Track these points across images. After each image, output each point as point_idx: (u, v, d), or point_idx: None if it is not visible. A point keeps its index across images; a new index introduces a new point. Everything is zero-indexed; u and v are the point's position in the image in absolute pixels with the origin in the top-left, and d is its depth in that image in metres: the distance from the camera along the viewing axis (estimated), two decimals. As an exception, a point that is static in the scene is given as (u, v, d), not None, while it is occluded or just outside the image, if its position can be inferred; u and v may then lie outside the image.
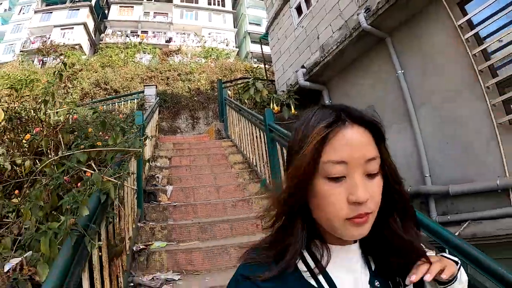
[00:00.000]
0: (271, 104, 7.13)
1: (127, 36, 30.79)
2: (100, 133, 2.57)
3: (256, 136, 5.21)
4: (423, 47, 4.98)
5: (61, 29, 30.98)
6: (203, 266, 3.02)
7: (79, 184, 1.88)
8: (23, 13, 33.94)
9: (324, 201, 0.66)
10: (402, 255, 0.73)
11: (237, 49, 30.88)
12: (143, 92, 8.28)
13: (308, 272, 0.70)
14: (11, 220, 2.19)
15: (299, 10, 7.61)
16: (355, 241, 0.76)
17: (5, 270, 1.74)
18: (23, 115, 2.38)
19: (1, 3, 35.94)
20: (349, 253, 0.74)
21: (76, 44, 28.69)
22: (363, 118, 0.68)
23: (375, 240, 0.74)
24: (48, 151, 2.18)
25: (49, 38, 29.65)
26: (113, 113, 3.80)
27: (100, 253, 1.89)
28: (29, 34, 31.71)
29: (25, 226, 1.79)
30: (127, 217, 2.69)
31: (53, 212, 1.91)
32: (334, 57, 5.93)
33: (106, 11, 37.19)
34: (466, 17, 4.47)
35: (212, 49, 25.97)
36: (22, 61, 21.97)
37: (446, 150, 4.70)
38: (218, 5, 35.07)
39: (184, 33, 31.93)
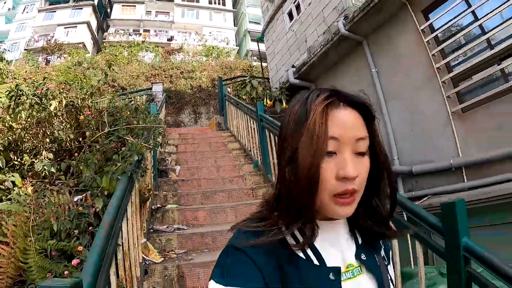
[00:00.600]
0: (265, 99, 8.06)
1: (129, 34, 31.39)
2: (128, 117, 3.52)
3: (251, 126, 6.14)
4: (393, 49, 5.88)
5: (65, 27, 31.59)
6: (205, 221, 3.96)
7: (123, 148, 2.80)
8: (27, 12, 34.36)
9: None
10: (377, 228, 0.79)
11: (238, 48, 31.62)
12: (151, 88, 9.20)
13: (296, 246, 0.72)
14: (64, 180, 3.14)
15: (290, 15, 8.54)
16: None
17: (75, 199, 2.69)
18: (75, 103, 3.31)
19: (5, 2, 36.39)
20: (336, 228, 0.78)
21: (80, 43, 29.40)
22: (354, 100, 0.71)
23: (357, 215, 0.78)
24: (96, 128, 3.12)
25: (53, 36, 29.99)
26: (132, 104, 4.59)
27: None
28: (33, 33, 31.99)
29: (86, 174, 2.72)
30: (148, 177, 3.64)
31: (103, 166, 2.85)
32: (319, 58, 6.85)
33: (109, 10, 37.92)
34: (428, 22, 5.36)
35: (213, 47, 26.81)
36: (28, 59, 22.62)
37: (411, 136, 5.61)
38: (219, 4, 35.70)
39: (185, 32, 32.57)
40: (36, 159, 3.10)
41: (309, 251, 0.74)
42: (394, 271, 0.94)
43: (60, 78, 3.46)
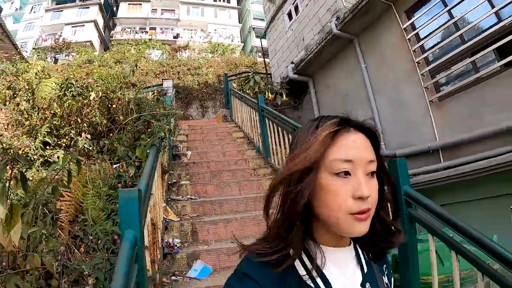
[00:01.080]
0: (267, 93, 8.85)
1: (136, 32, 32.08)
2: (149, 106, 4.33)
3: (253, 117, 6.92)
4: (380, 46, 6.61)
5: (72, 26, 32.40)
6: (213, 194, 4.75)
7: (148, 130, 3.61)
8: (34, 12, 35.00)
9: (331, 196, 0.74)
10: (387, 238, 0.86)
11: (243, 44, 32.28)
12: (162, 84, 10.01)
13: (306, 274, 0.76)
14: (99, 157, 3.95)
15: (289, 15, 9.30)
16: (349, 244, 0.86)
17: (114, 167, 3.51)
18: (108, 94, 4.12)
19: (12, 2, 37.06)
20: (343, 255, 0.83)
21: (87, 41, 30.34)
22: (364, 126, 0.79)
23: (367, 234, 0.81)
24: (126, 114, 3.93)
25: (60, 35, 30.62)
26: (153, 95, 5.39)
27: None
28: (40, 32, 32.59)
29: (120, 149, 3.53)
30: (165, 158, 4.45)
31: (132, 144, 3.65)
32: (314, 55, 7.60)
33: (115, 9, 38.72)
34: (410, 22, 6.06)
35: (218, 44, 27.46)
36: (39, 58, 23.39)
37: (395, 124, 6.35)
38: (223, 1, 36.33)
39: (191, 29, 33.33)
40: (76, 140, 3.93)
41: (318, 280, 0.76)
42: None
43: (95, 75, 4.21)
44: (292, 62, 8.63)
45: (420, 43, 5.91)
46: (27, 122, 3.89)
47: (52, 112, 4.03)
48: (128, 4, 37.53)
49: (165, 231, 3.64)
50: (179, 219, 3.91)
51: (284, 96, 8.70)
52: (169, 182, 4.70)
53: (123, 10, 37.27)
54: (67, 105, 3.89)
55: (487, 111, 4.90)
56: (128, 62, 19.23)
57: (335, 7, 7.17)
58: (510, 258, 1.62)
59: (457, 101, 5.40)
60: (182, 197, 4.50)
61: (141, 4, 37.05)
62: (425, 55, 5.81)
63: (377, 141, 0.82)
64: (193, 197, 4.54)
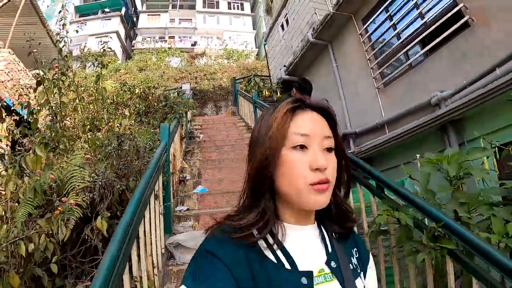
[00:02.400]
0: (264, 91, 11.28)
1: (156, 41, 34.84)
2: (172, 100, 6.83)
3: (250, 109, 9.34)
4: (345, 49, 8.84)
5: (96, 37, 34.94)
6: (216, 157, 7.16)
7: (172, 112, 6.07)
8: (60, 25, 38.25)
9: (291, 168, 0.81)
10: (341, 220, 0.94)
11: (257, 50, 34.53)
12: (181, 87, 12.56)
13: (267, 248, 0.81)
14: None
15: (282, 27, 11.70)
16: (313, 223, 0.92)
17: (151, 131, 5.98)
18: (145, 90, 6.64)
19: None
20: (307, 232, 0.89)
21: (111, 51, 32.18)
22: (319, 105, 0.90)
23: (327, 212, 0.92)
24: (157, 102, 6.42)
25: (85, 45, 33.59)
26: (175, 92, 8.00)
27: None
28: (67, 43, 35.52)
29: (155, 122, 5.98)
30: (183, 131, 6.93)
31: (163, 120, 6.11)
32: (299, 59, 9.94)
33: (135, 19, 41.85)
34: (364, 27, 8.23)
35: (233, 51, 30.09)
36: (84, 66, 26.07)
37: (355, 108, 8.55)
38: (238, 9, 38.95)
39: (207, 37, 36.02)
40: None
41: (280, 254, 0.81)
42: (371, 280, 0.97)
43: (137, 79, 6.77)
44: (284, 66, 11.00)
45: (370, 43, 8.01)
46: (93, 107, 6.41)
47: (110, 101, 6.53)
48: (148, 15, 40.69)
49: (181, 172, 6.04)
50: (190, 167, 6.33)
51: (278, 93, 11.10)
52: (186, 150, 7.14)
53: (143, 21, 40.50)
54: (121, 96, 6.38)
55: (416, 90, 6.65)
56: (150, 69, 22.11)
57: (312, 20, 9.49)
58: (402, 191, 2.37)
59: (396, 85, 7.32)
60: (193, 157, 6.94)
61: (159, 15, 40.16)
62: (373, 52, 7.88)
63: (333, 120, 0.91)
64: (200, 158, 6.97)
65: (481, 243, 1.77)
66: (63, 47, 4.37)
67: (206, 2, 39.31)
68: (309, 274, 0.80)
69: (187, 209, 4.72)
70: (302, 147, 0.82)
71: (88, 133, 3.62)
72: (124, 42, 37.49)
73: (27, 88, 7.03)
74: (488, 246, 1.73)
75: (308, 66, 10.26)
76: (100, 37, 34.83)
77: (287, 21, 11.31)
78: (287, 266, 0.80)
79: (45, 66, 3.92)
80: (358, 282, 0.87)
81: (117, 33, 36.01)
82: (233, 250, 0.78)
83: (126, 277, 1.80)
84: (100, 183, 2.61)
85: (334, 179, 0.85)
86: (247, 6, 39.08)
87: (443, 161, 2.51)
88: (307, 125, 0.84)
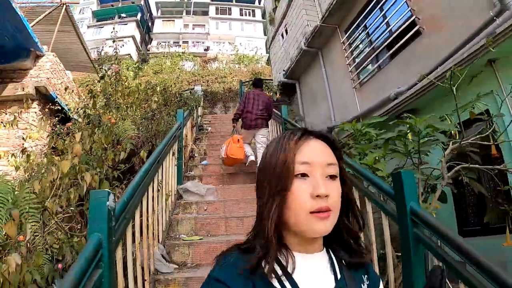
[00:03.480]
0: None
1: (170, 46, 36.84)
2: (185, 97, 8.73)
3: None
4: (332, 55, 10.60)
5: (112, 41, 37.41)
6: (219, 143, 8.99)
7: (185, 104, 7.94)
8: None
9: (292, 197, 0.84)
10: (352, 249, 0.96)
11: (268, 55, 36.21)
12: (193, 88, 14.46)
13: (275, 279, 0.83)
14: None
15: (282, 36, 13.54)
16: (322, 249, 0.94)
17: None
18: (164, 89, 8.52)
19: (58, 21, 42.96)
20: (314, 260, 0.91)
21: (127, 54, 34.82)
22: (322, 134, 0.94)
23: (335, 238, 0.95)
24: (174, 98, 8.31)
25: (102, 49, 35.62)
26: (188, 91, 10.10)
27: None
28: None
29: (172, 112, 7.84)
30: (193, 121, 8.82)
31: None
32: (295, 65, 11.75)
33: (150, 24, 44.14)
34: (345, 36, 9.99)
35: (244, 56, 31.90)
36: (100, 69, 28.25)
37: (339, 105, 10.26)
38: (249, 15, 41.10)
39: (219, 42, 38.15)
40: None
41: (286, 284, 0.83)
42: None
43: (158, 79, 8.66)
44: (283, 70, 12.82)
45: (350, 50, 9.71)
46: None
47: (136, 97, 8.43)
48: (162, 20, 43.11)
49: (191, 152, 7.88)
50: (198, 149, 8.18)
51: (277, 94, 12.92)
52: (196, 137, 9.00)
53: (158, 26, 43.04)
54: (144, 93, 8.24)
55: (382, 88, 8.07)
56: (165, 72, 24.10)
57: (305, 31, 11.28)
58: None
59: (368, 85, 8.91)
60: (202, 143, 8.80)
61: (174, 20, 42.66)
62: (352, 57, 9.61)
63: (337, 148, 0.93)
64: (207, 143, 8.84)
65: (361, 169, 3.02)
66: (115, 54, 6.18)
67: (219, 8, 41.52)
68: None
69: (194, 174, 6.58)
70: (304, 175, 0.86)
71: (132, 108, 5.52)
72: (140, 46, 39.73)
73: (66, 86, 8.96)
74: (362, 169, 3.06)
75: (302, 70, 12.07)
76: (117, 41, 37.28)
77: (286, 30, 13.14)
78: None
79: (78, 69, 5.83)
80: None
81: (133, 37, 38.33)
82: (241, 278, 0.81)
83: (150, 188, 3.57)
84: (140, 135, 4.50)
85: (338, 207, 0.87)
86: (258, 12, 41.09)
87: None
88: (309, 153, 0.87)
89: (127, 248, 2.37)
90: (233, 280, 0.80)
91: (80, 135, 3.72)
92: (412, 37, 7.05)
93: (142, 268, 2.83)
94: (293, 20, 12.35)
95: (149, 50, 38.47)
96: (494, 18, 5.03)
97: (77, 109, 5.12)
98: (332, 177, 0.88)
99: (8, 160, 4.57)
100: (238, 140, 6.60)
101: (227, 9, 41.86)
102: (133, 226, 2.60)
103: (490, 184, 5.26)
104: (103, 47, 36.30)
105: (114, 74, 5.38)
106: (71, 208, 2.94)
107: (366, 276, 0.96)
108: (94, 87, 5.04)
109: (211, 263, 0.92)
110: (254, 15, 41.45)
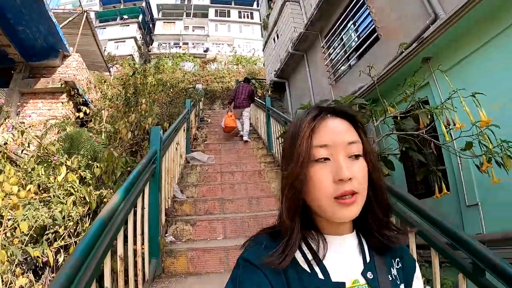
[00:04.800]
0: (258, 91, 15.07)
1: (171, 47, 38.71)
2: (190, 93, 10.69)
3: (246, 101, 13.15)
4: (315, 57, 12.56)
5: (115, 42, 38.97)
6: (218, 131, 10.94)
7: (190, 98, 9.88)
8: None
9: (313, 183, 0.82)
10: (381, 234, 0.92)
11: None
12: (195, 86, 16.43)
13: (304, 262, 0.84)
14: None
15: (274, 40, 15.52)
16: (352, 231, 0.93)
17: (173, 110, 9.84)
18: (172, 85, 10.45)
19: (62, 22, 44.68)
20: (344, 243, 0.90)
21: (129, 55, 35.97)
22: (340, 110, 0.88)
23: (365, 224, 0.92)
24: (179, 93, 10.25)
25: (105, 50, 37.14)
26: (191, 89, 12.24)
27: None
28: None
29: (177, 105, 9.78)
30: (196, 112, 10.79)
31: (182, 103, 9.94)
32: (284, 66, 13.73)
33: (151, 26, 45.82)
34: (324, 41, 11.93)
35: (242, 57, 33.89)
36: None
37: (319, 100, 12.18)
38: (247, 18, 43.04)
39: (219, 44, 39.92)
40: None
41: (316, 268, 0.84)
42: None
43: (167, 77, 10.61)
44: (275, 70, 14.79)
45: (328, 53, 11.63)
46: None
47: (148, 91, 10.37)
48: (163, 22, 44.79)
49: (195, 136, 9.80)
50: (200, 134, 10.12)
51: (269, 92, 14.89)
52: (198, 126, 10.95)
53: (159, 28, 44.64)
54: (155, 88, 10.16)
55: (352, 83, 9.61)
56: (167, 72, 25.96)
57: (292, 36, 13.23)
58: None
59: (341, 81, 10.76)
60: (203, 130, 10.74)
61: (174, 22, 44.28)
62: (329, 58, 11.51)
63: (359, 124, 0.89)
64: (207, 130, 10.79)
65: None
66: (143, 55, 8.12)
67: (218, 11, 43.46)
68: (341, 285, 0.82)
69: (198, 150, 8.54)
70: (325, 159, 0.82)
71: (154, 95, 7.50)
72: (141, 47, 41.01)
73: (90, 83, 10.93)
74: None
75: (291, 71, 14.05)
76: (119, 41, 39.14)
77: (277, 35, 15.12)
78: (320, 276, 0.82)
79: (92, 68, 7.73)
80: None
81: (134, 38, 39.77)
82: (271, 261, 0.80)
83: (172, 144, 5.53)
84: (163, 114, 6.48)
85: (364, 189, 0.84)
86: (256, 15, 42.69)
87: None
88: (327, 134, 0.84)
89: (162, 167, 4.29)
90: (259, 259, 0.81)
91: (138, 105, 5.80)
92: (373, 42, 8.83)
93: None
94: (283, 27, 14.33)
95: (150, 51, 40.18)
96: (429, 25, 6.20)
97: (114, 95, 7.01)
98: (356, 156, 0.84)
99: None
100: (231, 115, 9.95)
101: (226, 11, 43.73)
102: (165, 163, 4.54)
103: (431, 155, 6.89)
104: (105, 47, 38.53)
105: (142, 71, 7.27)
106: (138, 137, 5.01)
107: (398, 259, 0.95)
108: (128, 80, 6.95)
109: (209, 195, 2.44)
110: (252, 18, 43.12)
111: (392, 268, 0.91)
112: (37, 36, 10.29)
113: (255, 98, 11.08)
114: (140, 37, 41.78)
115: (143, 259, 3.03)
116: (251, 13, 43.47)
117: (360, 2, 9.44)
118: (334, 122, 0.86)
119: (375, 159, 0.90)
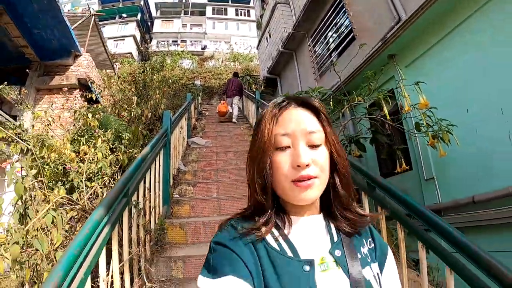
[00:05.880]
0: (252, 86, 16.51)
1: (169, 45, 39.94)
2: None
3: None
4: (302, 55, 13.97)
5: (114, 40, 39.78)
6: (215, 122, 12.38)
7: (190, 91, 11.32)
8: (80, 28, 43.29)
9: (275, 168, 0.89)
10: (347, 218, 0.97)
11: (261, 53, 39.84)
12: (193, 82, 17.88)
13: (273, 240, 0.90)
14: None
15: (267, 39, 16.96)
16: (319, 212, 0.99)
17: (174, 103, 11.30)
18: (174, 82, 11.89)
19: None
20: (311, 223, 0.95)
21: (128, 53, 37.77)
22: (303, 101, 0.94)
23: (331, 207, 0.98)
24: (180, 87, 11.69)
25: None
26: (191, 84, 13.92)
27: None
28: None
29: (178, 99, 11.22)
30: (195, 110, 12.25)
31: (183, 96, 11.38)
32: (275, 63, 15.19)
33: (149, 24, 46.88)
34: (311, 40, 13.33)
35: (238, 54, 35.25)
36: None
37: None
38: (244, 15, 44.42)
39: (216, 41, 41.27)
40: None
41: (283, 243, 0.89)
42: (391, 271, 0.99)
43: (168, 74, 12.06)
44: (267, 67, 16.23)
45: (313, 50, 13.03)
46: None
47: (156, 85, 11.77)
48: (162, 20, 46.00)
49: (194, 125, 11.23)
50: (199, 124, 11.57)
51: (262, 87, 16.35)
52: (197, 118, 12.39)
53: (157, 26, 45.87)
54: (159, 83, 11.54)
55: (334, 77, 10.72)
56: (166, 70, 27.31)
57: (282, 36, 14.66)
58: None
59: (325, 76, 12.07)
60: (202, 121, 12.19)
61: (172, 20, 45.55)
62: (315, 55, 12.91)
63: (322, 114, 0.94)
64: (205, 121, 12.22)
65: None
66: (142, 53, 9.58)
67: (216, 9, 44.79)
68: (310, 262, 0.86)
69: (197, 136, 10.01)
70: (288, 147, 0.89)
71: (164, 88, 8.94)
72: (140, 45, 42.24)
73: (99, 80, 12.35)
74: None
75: (282, 68, 15.53)
76: (118, 40, 40.18)
77: (270, 35, 16.57)
78: (289, 254, 0.87)
79: (98, 66, 9.15)
80: (366, 271, 0.90)
81: (133, 36, 40.78)
82: (240, 240, 0.87)
83: (177, 128, 6.99)
84: (168, 104, 7.94)
85: (324, 174, 0.90)
86: (253, 12, 43.24)
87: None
88: (288, 123, 0.90)
89: (171, 141, 5.73)
90: (232, 241, 0.87)
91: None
92: (350, 41, 10.12)
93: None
94: (274, 27, 15.78)
95: (149, 49, 41.14)
96: (394, 26, 6.97)
97: (126, 89, 8.46)
98: (316, 145, 0.89)
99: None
100: (223, 103, 12.88)
101: (224, 9, 45.07)
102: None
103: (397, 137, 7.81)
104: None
105: (150, 69, 8.72)
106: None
107: (369, 239, 1.00)
108: (138, 76, 8.42)
109: (206, 168, 4.08)
110: (249, 15, 44.28)
111: (362, 247, 0.95)
112: (52, 37, 11.58)
113: (246, 91, 13.16)
114: (139, 36, 42.53)
115: (158, 201, 4.48)
116: (248, 11, 44.63)
117: (340, 6, 10.77)
118: (297, 111, 0.92)
119: (339, 147, 0.95)
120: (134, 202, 3.15)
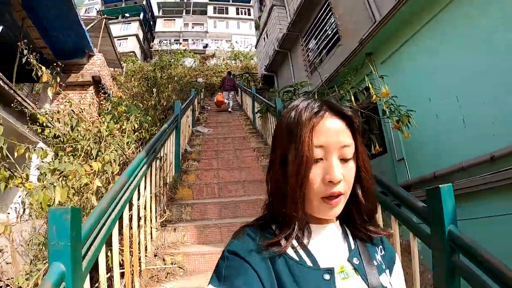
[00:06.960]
0: (251, 82, 18.01)
1: (171, 44, 41.24)
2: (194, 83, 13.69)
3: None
4: (296, 54, 15.44)
5: (117, 39, 38.71)
6: (221, 126, 13.88)
7: (194, 88, 12.83)
8: (83, 27, 44.53)
9: (307, 181, 0.84)
10: (366, 229, 0.96)
11: (261, 51, 41.25)
12: (196, 80, 19.39)
13: (292, 250, 0.86)
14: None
15: (264, 39, 18.46)
16: (335, 221, 0.97)
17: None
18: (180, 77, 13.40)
19: (65, 19, 47.03)
20: (329, 232, 0.94)
21: (131, 52, 38.86)
22: (340, 111, 0.88)
23: (350, 217, 0.97)
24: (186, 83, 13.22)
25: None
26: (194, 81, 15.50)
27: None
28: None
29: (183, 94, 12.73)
30: (199, 103, 13.78)
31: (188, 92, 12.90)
32: (272, 61, 16.69)
33: (152, 23, 48.20)
34: (303, 40, 14.79)
35: (239, 52, 36.62)
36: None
37: (302, 91, 15.11)
38: (245, 14, 45.79)
39: (217, 40, 42.73)
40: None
41: (302, 253, 0.87)
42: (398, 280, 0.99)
43: (174, 71, 13.57)
44: (264, 65, 17.74)
45: (305, 49, 14.50)
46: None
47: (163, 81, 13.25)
48: (164, 20, 47.48)
49: (197, 117, 12.74)
50: (202, 117, 13.07)
51: (260, 84, 17.86)
52: (200, 112, 13.88)
53: (160, 25, 47.39)
54: (167, 80, 13.01)
55: (323, 73, 12.39)
56: (169, 68, 28.88)
57: (278, 36, 16.13)
58: None
59: (315, 72, 13.04)
60: (204, 114, 13.70)
61: (174, 20, 47.04)
62: (307, 54, 14.39)
63: (355, 125, 0.89)
64: (207, 115, 13.72)
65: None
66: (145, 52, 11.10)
67: (217, 8, 46.23)
68: (330, 271, 0.84)
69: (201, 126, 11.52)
70: (320, 159, 0.85)
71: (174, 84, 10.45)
72: (143, 44, 43.66)
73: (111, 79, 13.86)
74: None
75: (278, 66, 17.05)
76: (121, 39, 40.98)
77: (267, 35, 18.08)
78: (309, 263, 0.85)
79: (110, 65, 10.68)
80: (383, 278, 0.90)
81: (136, 36, 41.99)
82: (256, 251, 0.84)
83: (184, 117, 8.51)
84: (175, 97, 9.46)
85: (349, 189, 0.88)
86: (253, 11, 45.44)
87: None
88: (323, 134, 0.84)
89: (180, 125, 7.22)
90: (248, 253, 0.83)
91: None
92: (336, 41, 11.57)
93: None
94: (271, 28, 17.30)
95: (151, 48, 42.77)
96: (370, 28, 7.88)
97: (139, 85, 9.95)
98: (347, 159, 0.86)
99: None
100: (220, 94, 15.38)
101: (225, 8, 46.49)
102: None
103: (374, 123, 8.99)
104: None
105: (160, 68, 10.21)
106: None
107: (380, 247, 1.00)
108: (148, 73, 9.92)
109: (208, 149, 6.27)
110: (249, 14, 45.21)
111: (376, 254, 0.95)
112: (68, 39, 13.02)
113: (245, 87, 14.53)
114: (141, 35, 43.69)
115: (172, 167, 6.03)
116: (248, 10, 45.74)
117: (328, 9, 12.21)
118: (332, 122, 0.86)
119: (367, 162, 0.93)
120: (158, 157, 4.67)
